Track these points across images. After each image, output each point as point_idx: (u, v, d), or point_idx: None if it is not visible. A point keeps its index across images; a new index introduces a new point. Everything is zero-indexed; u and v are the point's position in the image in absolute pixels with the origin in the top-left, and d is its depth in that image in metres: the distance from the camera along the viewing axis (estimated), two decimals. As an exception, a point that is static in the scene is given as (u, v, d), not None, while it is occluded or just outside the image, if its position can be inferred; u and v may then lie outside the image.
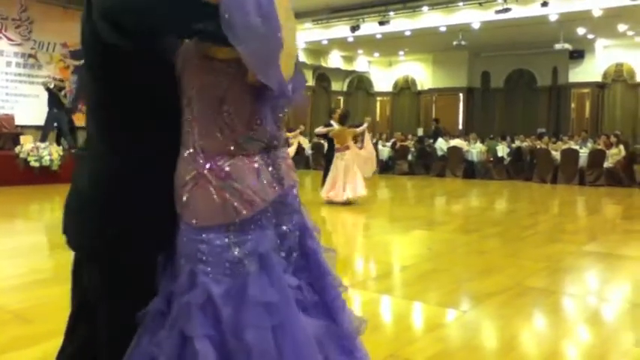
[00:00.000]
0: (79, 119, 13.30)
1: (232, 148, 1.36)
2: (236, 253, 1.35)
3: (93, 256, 1.42)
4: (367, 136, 9.87)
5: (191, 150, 1.37)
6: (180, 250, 1.39)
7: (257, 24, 1.23)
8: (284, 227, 1.45)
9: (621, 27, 15.08)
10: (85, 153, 1.45)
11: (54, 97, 11.68)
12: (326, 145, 10.51)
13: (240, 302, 1.32)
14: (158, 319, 1.36)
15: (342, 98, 22.37)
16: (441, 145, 15.29)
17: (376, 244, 6.14)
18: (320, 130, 9.64)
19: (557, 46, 15.89)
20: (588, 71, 17.75)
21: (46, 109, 11.72)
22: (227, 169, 1.35)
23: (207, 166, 1.35)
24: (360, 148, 9.30)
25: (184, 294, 1.34)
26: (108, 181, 1.36)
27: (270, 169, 1.42)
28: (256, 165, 1.39)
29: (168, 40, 1.41)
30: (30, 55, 13.26)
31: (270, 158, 1.43)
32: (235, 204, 1.35)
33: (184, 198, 1.38)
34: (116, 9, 1.22)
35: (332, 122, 9.30)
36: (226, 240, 1.35)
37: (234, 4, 1.21)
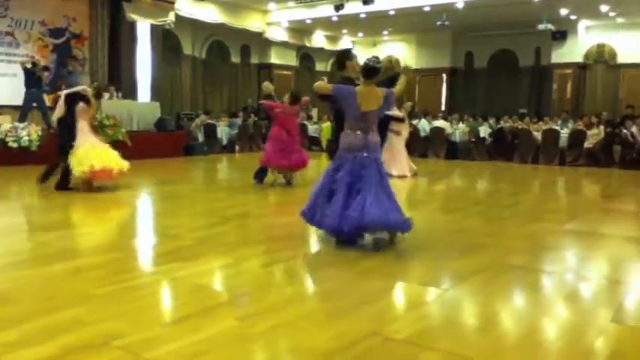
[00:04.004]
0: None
1: (349, 129, 4.73)
2: (342, 157, 4.76)
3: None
4: None
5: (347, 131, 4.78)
6: None
7: (336, 94, 4.76)
8: (363, 154, 4.63)
9: (603, 8, 15.14)
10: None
11: (32, 77, 11.42)
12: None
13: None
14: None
15: (325, 78, 22.08)
16: (424, 125, 15.30)
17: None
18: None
19: (540, 27, 15.94)
20: (570, 52, 17.84)
21: (24, 88, 11.47)
22: (347, 133, 4.74)
23: (342, 134, 4.79)
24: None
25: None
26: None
27: (361, 136, 4.65)
28: (357, 134, 4.67)
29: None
30: (7, 33, 12.94)
31: (363, 133, 4.66)
32: (347, 143, 4.73)
33: None
34: None
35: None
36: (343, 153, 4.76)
37: (336, 92, 4.77)
